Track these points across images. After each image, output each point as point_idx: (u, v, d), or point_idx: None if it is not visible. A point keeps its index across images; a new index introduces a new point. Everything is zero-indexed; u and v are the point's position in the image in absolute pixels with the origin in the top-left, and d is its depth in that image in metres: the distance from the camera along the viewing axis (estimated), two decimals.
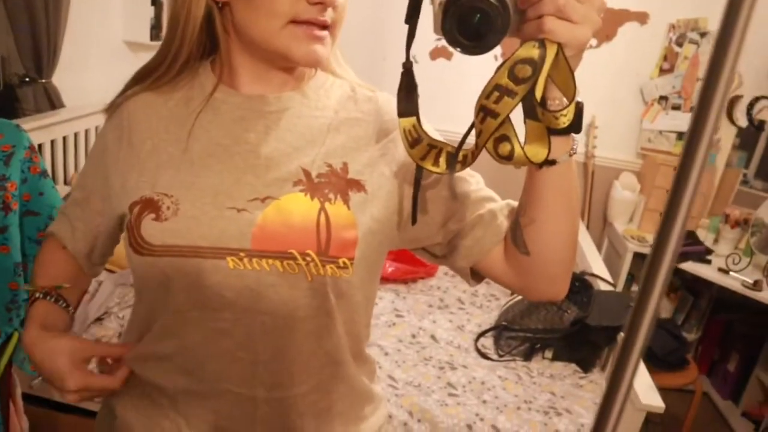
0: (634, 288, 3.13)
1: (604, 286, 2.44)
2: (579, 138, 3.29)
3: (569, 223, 0.73)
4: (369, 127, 0.82)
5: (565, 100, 0.61)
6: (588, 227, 3.16)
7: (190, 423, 0.81)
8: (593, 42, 3.09)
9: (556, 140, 0.64)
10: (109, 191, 0.82)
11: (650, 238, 3.00)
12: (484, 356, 2.17)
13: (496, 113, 0.59)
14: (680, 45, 3.06)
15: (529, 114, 0.63)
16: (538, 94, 0.59)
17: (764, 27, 2.92)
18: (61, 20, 2.30)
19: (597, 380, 2.12)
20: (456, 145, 0.68)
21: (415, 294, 2.57)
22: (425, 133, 0.68)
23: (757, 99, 2.96)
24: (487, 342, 2.26)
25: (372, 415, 0.90)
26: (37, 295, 0.88)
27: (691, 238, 2.93)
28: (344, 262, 0.74)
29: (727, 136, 3.09)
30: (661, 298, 0.46)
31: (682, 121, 3.13)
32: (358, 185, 0.77)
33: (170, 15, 0.79)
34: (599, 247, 3.03)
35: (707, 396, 3.13)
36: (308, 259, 0.73)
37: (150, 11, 2.89)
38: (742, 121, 3.02)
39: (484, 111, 0.60)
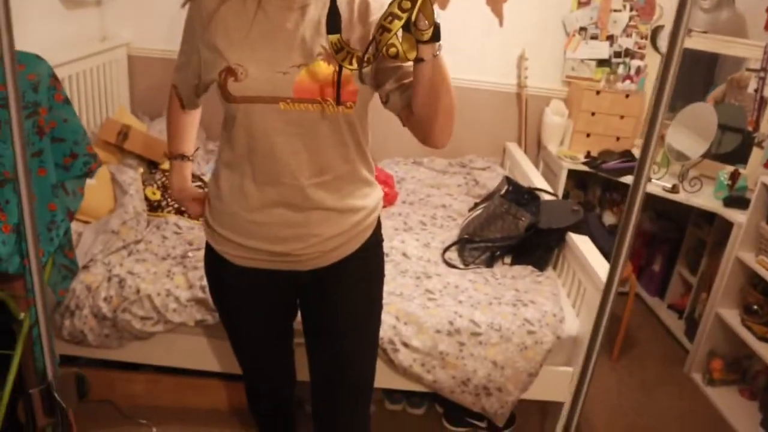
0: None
1: (547, 198, 2.71)
2: (510, 70, 3.53)
3: (438, 99, 1.15)
4: (359, 16, 1.23)
5: (427, 23, 1.02)
6: (525, 151, 3.43)
7: (263, 198, 1.28)
8: None
9: (424, 47, 1.06)
10: (203, 60, 1.27)
11: (581, 156, 3.30)
12: (452, 266, 2.39)
13: (389, 29, 1.01)
14: None
15: (406, 29, 1.04)
16: (414, 17, 1.00)
17: None
18: None
19: (551, 276, 2.39)
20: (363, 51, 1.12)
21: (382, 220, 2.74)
22: (345, 43, 1.15)
23: None
24: (453, 255, 2.48)
25: (371, 194, 1.40)
26: (175, 155, 1.52)
27: (628, 155, 3.25)
28: (350, 104, 1.22)
29: (652, 63, 3.41)
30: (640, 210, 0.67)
31: (600, 49, 3.42)
32: (356, 55, 1.17)
33: None
34: (536, 168, 3.30)
35: (638, 296, 3.52)
36: (328, 102, 1.20)
37: None
38: (665, 49, 3.32)
39: (382, 28, 1.02)
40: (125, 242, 2.27)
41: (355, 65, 1.14)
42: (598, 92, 3.26)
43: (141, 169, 2.70)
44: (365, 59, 1.11)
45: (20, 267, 1.32)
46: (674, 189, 2.94)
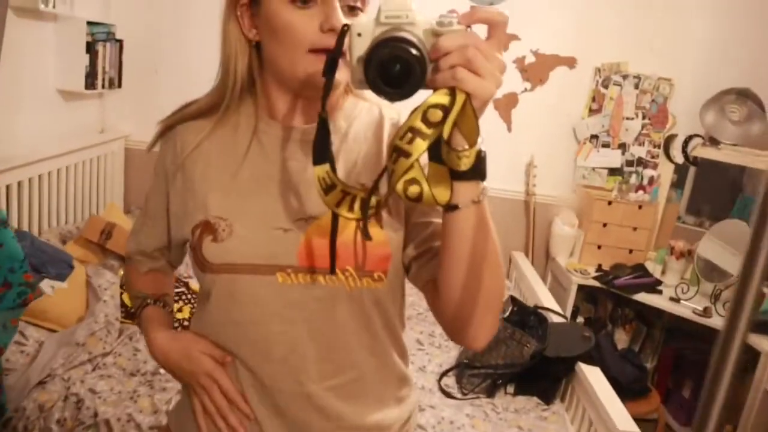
0: (580, 319, 3.23)
1: (556, 319, 2.51)
2: (518, 177, 3.38)
3: (476, 272, 0.75)
4: (378, 137, 0.90)
5: (466, 144, 0.66)
6: (533, 262, 3.25)
7: (257, 414, 0.89)
8: (528, 86, 3.25)
9: (460, 186, 0.69)
10: (174, 214, 0.93)
11: (591, 270, 3.11)
12: (449, 395, 2.17)
13: (409, 153, 0.63)
14: (606, 87, 3.26)
15: (434, 157, 0.68)
16: (446, 133, 0.63)
17: (691, 72, 3.16)
18: None
19: (559, 411, 2.15)
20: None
21: None
22: (338, 179, 0.74)
23: (690, 137, 3.17)
24: (450, 381, 2.26)
25: (408, 398, 0.99)
26: (148, 301, 1.01)
27: (640, 270, 3.06)
28: (379, 276, 0.85)
29: (665, 173, 3.28)
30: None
31: (612, 157, 3.31)
32: (386, 206, 0.83)
33: (224, 57, 0.87)
34: (544, 281, 3.12)
35: (668, 426, 3.22)
36: (347, 273, 0.83)
37: (85, 59, 2.81)
38: (679, 158, 3.21)
39: (397, 151, 0.64)
40: (91, 355, 2.08)
41: (355, 212, 0.74)
42: (609, 202, 3.12)
43: (122, 271, 2.54)
44: (372, 202, 0.72)
45: None
46: (706, 312, 2.73)
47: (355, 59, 0.66)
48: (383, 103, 0.93)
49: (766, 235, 0.47)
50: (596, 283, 3.01)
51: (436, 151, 0.67)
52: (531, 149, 3.28)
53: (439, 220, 0.82)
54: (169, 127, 0.93)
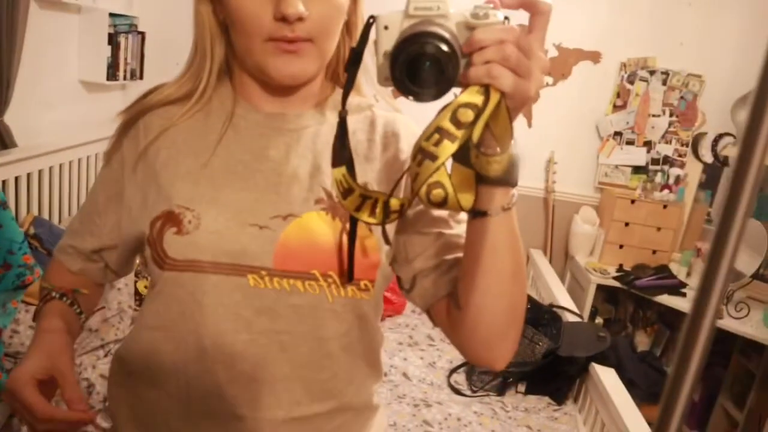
0: (599, 320, 3.16)
1: (571, 318, 2.45)
2: (538, 173, 3.33)
3: (504, 284, 0.69)
4: (384, 150, 0.81)
5: (498, 148, 0.60)
6: (551, 261, 3.20)
7: None
8: (549, 80, 3.19)
9: (489, 191, 0.64)
10: (127, 208, 0.80)
11: (612, 270, 3.04)
12: (458, 392, 2.14)
13: (435, 156, 0.57)
14: (631, 83, 3.18)
15: (460, 159, 0.62)
16: (476, 135, 0.57)
17: (722, 69, 3.07)
18: (14, 58, 2.24)
19: (571, 412, 2.11)
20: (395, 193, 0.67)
21: (384, 332, 2.50)
22: (356, 183, 0.66)
23: (720, 136, 3.07)
24: (460, 378, 2.23)
25: (375, 427, 0.88)
26: (53, 294, 0.84)
27: (664, 271, 2.98)
28: (365, 284, 0.75)
29: (693, 172, 3.19)
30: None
31: (637, 155, 3.23)
32: (380, 200, 0.74)
33: (199, 38, 0.79)
34: (562, 280, 3.06)
35: None
36: (330, 280, 0.73)
37: (107, 50, 2.84)
38: (708, 158, 3.12)
39: (422, 153, 0.57)
40: (103, 341, 2.10)
41: (377, 216, 0.66)
42: (633, 201, 3.04)
43: (138, 260, 2.56)
44: (394, 207, 0.65)
45: None
46: (718, 313, 2.64)
47: (381, 54, 0.59)
48: (381, 102, 0.86)
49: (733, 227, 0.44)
50: (616, 284, 2.94)
51: (462, 153, 0.60)
52: (551, 145, 3.22)
53: (450, 231, 0.77)
54: (132, 121, 0.82)
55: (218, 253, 0.72)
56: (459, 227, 0.78)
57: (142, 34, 3.13)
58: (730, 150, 3.04)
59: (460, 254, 0.75)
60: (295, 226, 0.74)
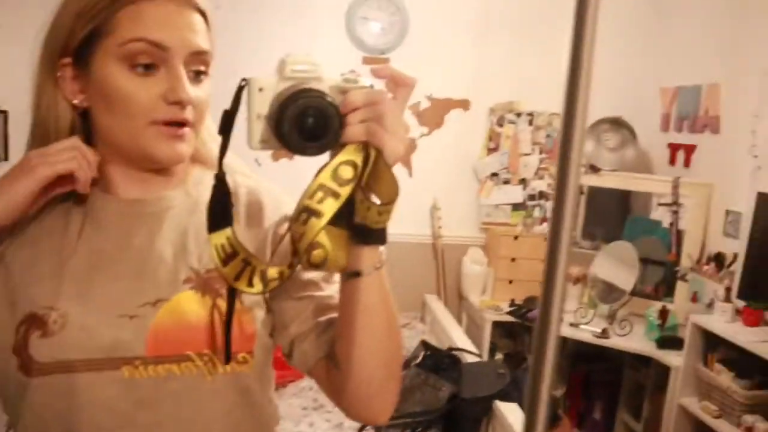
0: (499, 356, 3.23)
1: (470, 359, 2.49)
2: (424, 220, 3.38)
3: (379, 341, 0.72)
4: (249, 220, 0.81)
5: (385, 193, 0.63)
6: (446, 304, 3.26)
7: None
8: (425, 130, 3.31)
9: (363, 251, 0.66)
10: None
11: (504, 305, 3.14)
12: None
13: (321, 213, 0.59)
14: (501, 125, 3.37)
15: (333, 221, 0.62)
16: (358, 191, 0.62)
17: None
18: None
19: None
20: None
21: (288, 398, 2.45)
22: (241, 245, 0.67)
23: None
24: None
25: None
26: None
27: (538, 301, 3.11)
28: (243, 357, 0.75)
29: None
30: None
31: (514, 193, 3.40)
32: (258, 268, 0.74)
33: (36, 123, 0.76)
34: (459, 322, 3.12)
35: None
36: (206, 359, 0.73)
37: None
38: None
39: (307, 212, 0.59)
40: None
41: (255, 286, 0.67)
42: (516, 237, 3.19)
43: None
44: (271, 276, 0.67)
45: None
46: (605, 333, 2.78)
47: (254, 116, 0.61)
48: (237, 171, 0.84)
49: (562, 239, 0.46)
50: (510, 318, 3.04)
51: (337, 214, 0.61)
52: (434, 192, 3.33)
53: (322, 293, 0.78)
54: None
55: (89, 349, 0.70)
56: (330, 288, 0.79)
57: (5, 113, 2.97)
58: (583, 178, 3.27)
59: (334, 315, 0.76)
60: (166, 310, 0.73)
